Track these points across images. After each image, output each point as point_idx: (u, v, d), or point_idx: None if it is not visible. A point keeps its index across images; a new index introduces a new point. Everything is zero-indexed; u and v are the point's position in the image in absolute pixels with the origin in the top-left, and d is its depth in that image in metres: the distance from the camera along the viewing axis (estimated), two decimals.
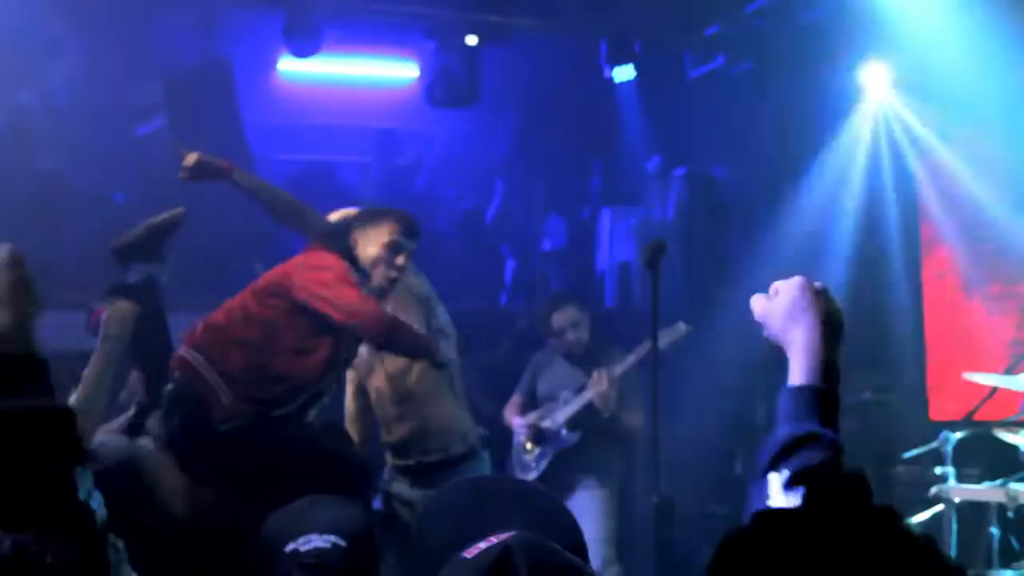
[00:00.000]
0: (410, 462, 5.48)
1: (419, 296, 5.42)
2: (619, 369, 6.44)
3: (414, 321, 5.20)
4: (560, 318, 6.75)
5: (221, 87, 8.45)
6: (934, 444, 5.95)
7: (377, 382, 5.53)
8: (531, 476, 6.48)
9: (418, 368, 5.41)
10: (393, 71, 9.21)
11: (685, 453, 6.86)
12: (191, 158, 5.16)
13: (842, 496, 1.38)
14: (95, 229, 7.75)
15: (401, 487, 5.52)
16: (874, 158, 7.96)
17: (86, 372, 3.75)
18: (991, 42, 6.88)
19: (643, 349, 6.39)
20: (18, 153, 8.04)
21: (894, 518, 1.35)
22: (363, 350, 5.36)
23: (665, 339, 6.21)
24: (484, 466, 5.55)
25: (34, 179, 8.10)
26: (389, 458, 5.62)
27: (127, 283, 4.75)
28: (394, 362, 5.39)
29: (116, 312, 4.03)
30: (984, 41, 6.91)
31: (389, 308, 5.06)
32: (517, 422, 6.65)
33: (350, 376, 5.62)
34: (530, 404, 6.78)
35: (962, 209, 7.66)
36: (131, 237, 5.00)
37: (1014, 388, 5.79)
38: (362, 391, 5.63)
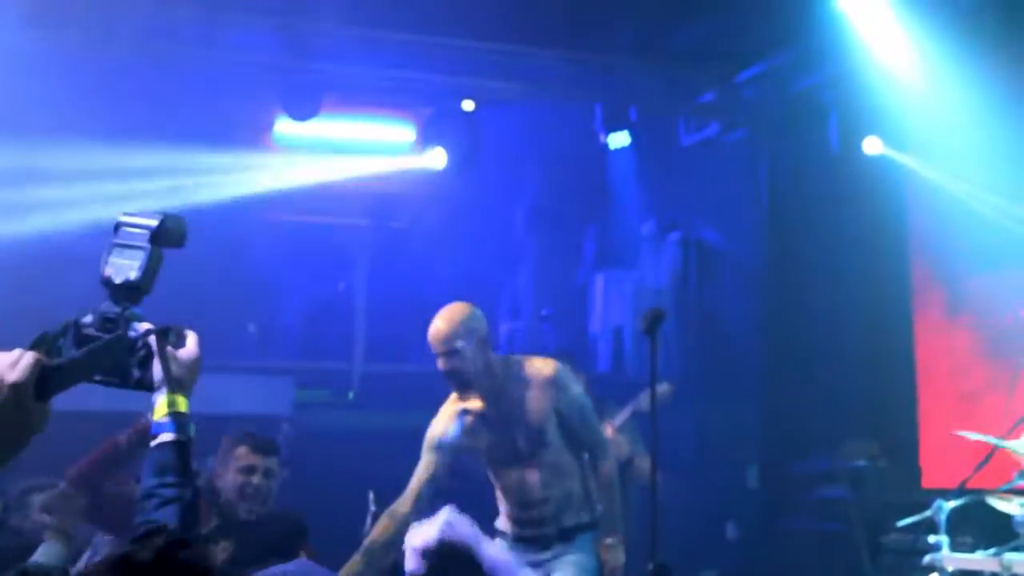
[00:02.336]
0: (544, 531, 5.39)
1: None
2: (618, 420, 6.60)
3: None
4: None
5: (219, 147, 8.51)
6: (928, 512, 5.93)
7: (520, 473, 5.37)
8: None
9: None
10: (390, 135, 9.27)
11: (676, 517, 6.85)
12: None
13: None
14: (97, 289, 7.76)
15: (530, 555, 5.35)
16: (867, 224, 8.00)
17: None
18: (981, 104, 6.97)
19: (636, 402, 6.59)
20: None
21: None
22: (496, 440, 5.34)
23: (647, 401, 6.36)
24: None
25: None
26: (512, 528, 5.43)
27: None
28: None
29: None
30: (974, 103, 7.00)
31: None
32: None
33: (430, 460, 5.36)
34: None
35: (954, 275, 7.70)
36: None
37: (1011, 449, 5.80)
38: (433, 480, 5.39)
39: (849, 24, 7.45)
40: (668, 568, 4.49)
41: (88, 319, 2.36)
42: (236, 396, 9.01)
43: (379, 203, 10.30)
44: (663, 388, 6.61)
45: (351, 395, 9.08)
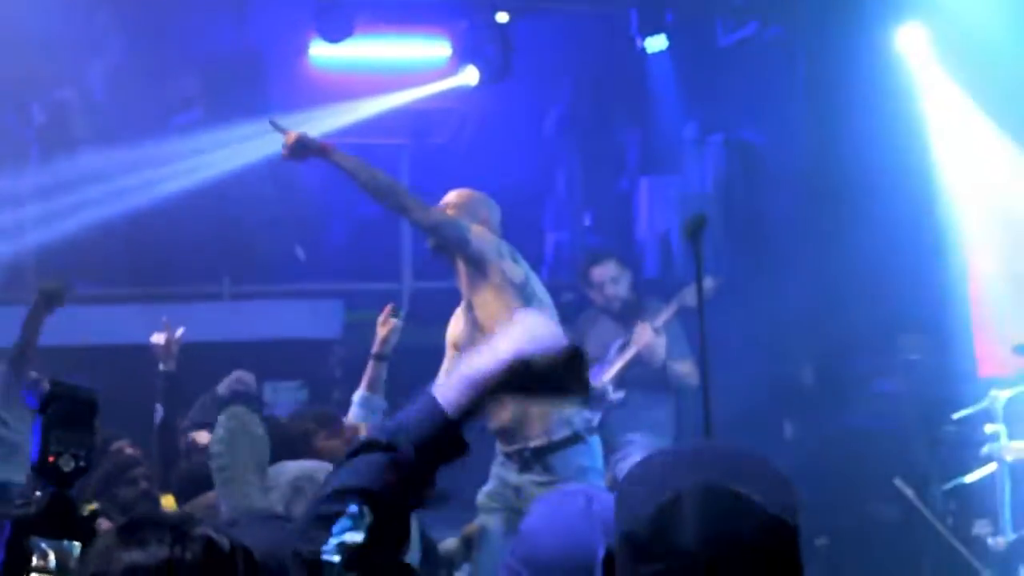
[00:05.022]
0: (515, 447, 5.34)
1: (516, 283, 5.35)
2: (660, 320, 6.56)
3: (509, 306, 5.13)
4: (600, 272, 6.83)
5: (255, 76, 8.48)
6: (983, 403, 5.91)
7: None
8: None
9: None
10: (425, 51, 9.21)
11: (734, 418, 6.86)
12: (291, 137, 5.17)
13: None
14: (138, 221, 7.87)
15: (508, 473, 5.36)
16: (912, 120, 7.89)
17: None
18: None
19: (681, 297, 6.55)
20: (60, 147, 8.12)
21: None
22: (461, 331, 5.39)
23: (692, 296, 6.38)
24: (592, 451, 5.33)
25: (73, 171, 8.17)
26: (497, 443, 5.39)
27: None
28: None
29: None
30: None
31: (488, 293, 5.23)
32: None
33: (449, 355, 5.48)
34: None
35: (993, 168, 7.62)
36: None
37: None
38: None
39: None
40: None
41: None
42: (286, 321, 9.09)
43: (417, 120, 10.26)
44: (708, 283, 6.56)
45: (401, 313, 9.13)
